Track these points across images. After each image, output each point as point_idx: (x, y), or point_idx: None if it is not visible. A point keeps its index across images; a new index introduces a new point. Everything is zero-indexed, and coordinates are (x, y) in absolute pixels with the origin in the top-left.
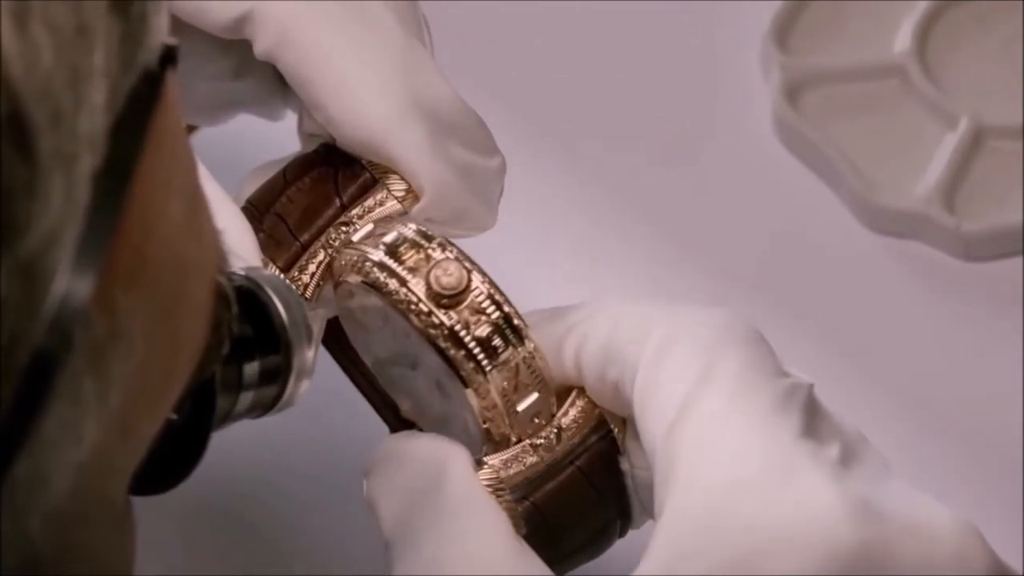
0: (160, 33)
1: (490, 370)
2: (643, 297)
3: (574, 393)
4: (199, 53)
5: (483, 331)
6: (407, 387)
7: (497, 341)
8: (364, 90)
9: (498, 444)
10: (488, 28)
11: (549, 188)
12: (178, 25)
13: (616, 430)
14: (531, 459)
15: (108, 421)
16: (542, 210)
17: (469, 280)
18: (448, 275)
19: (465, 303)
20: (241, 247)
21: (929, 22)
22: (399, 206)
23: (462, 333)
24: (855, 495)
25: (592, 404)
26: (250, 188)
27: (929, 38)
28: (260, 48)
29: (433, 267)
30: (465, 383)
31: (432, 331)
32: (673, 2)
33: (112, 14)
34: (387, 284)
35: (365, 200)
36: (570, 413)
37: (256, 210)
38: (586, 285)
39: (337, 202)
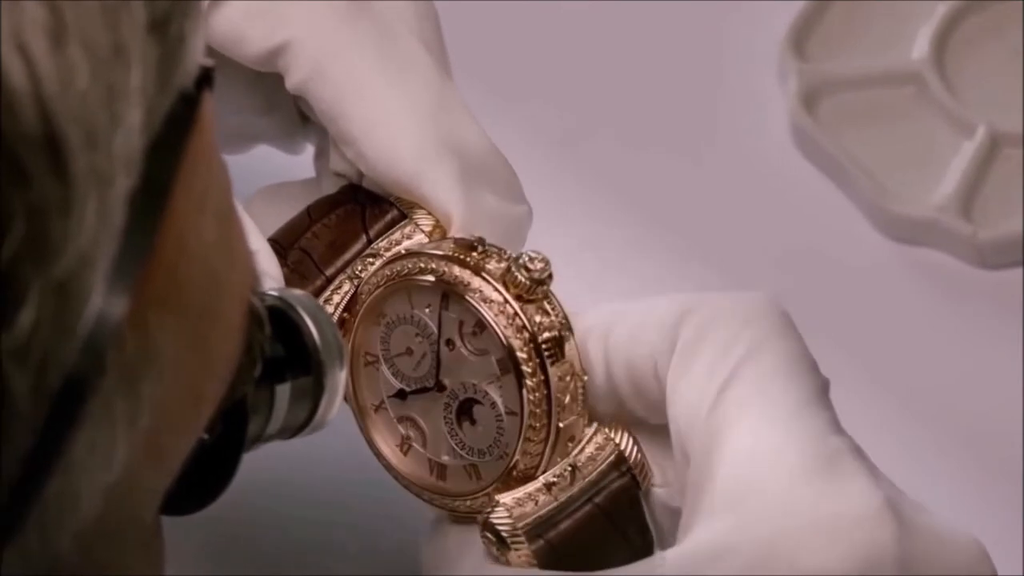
0: (197, 55)
1: (552, 370)
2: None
3: (591, 429)
4: (227, 87)
5: (551, 331)
6: (420, 422)
7: (561, 343)
8: (397, 128)
9: (514, 480)
10: (502, 32)
11: (561, 193)
12: (210, 56)
13: (639, 463)
14: (544, 498)
15: (139, 442)
16: (553, 215)
17: (550, 275)
18: (538, 262)
19: (535, 301)
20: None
21: (946, 30)
22: (427, 239)
23: (535, 328)
24: (889, 494)
25: (608, 439)
26: (260, 207)
27: (946, 46)
28: (293, 81)
29: (515, 259)
30: (523, 380)
31: (505, 323)
32: (690, 9)
33: (150, 35)
34: (458, 277)
35: (392, 234)
36: (586, 450)
37: (280, 246)
38: (596, 290)
39: (364, 238)
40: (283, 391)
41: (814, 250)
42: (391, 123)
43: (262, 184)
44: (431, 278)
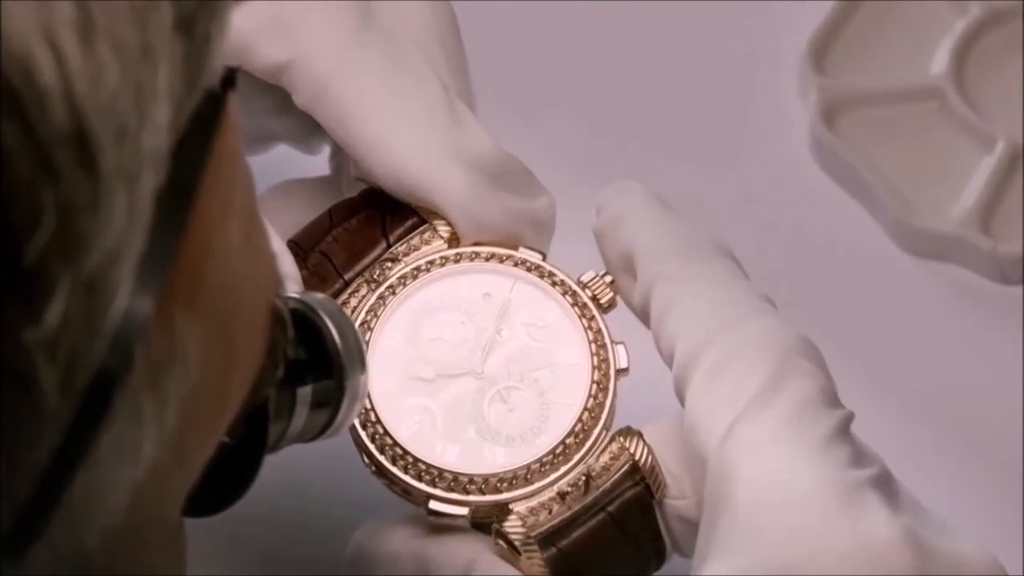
0: (223, 56)
1: (614, 374)
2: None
3: (605, 439)
4: (242, 87)
5: (619, 343)
6: (433, 406)
7: (626, 351)
8: (402, 144)
9: (538, 471)
10: (520, 44)
11: (584, 206)
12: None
13: (653, 473)
14: (557, 507)
15: (164, 441)
16: (573, 229)
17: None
18: (610, 288)
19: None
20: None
21: (966, 45)
22: (445, 245)
23: (607, 328)
24: (906, 524)
25: (623, 448)
26: (273, 204)
27: (966, 61)
28: (299, 100)
29: (599, 274)
30: (594, 371)
31: (584, 318)
32: (709, 24)
33: (177, 35)
34: (542, 267)
35: (411, 239)
36: (600, 459)
37: (300, 248)
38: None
39: (383, 243)
40: (304, 394)
41: (834, 265)
42: (395, 140)
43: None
44: (511, 265)
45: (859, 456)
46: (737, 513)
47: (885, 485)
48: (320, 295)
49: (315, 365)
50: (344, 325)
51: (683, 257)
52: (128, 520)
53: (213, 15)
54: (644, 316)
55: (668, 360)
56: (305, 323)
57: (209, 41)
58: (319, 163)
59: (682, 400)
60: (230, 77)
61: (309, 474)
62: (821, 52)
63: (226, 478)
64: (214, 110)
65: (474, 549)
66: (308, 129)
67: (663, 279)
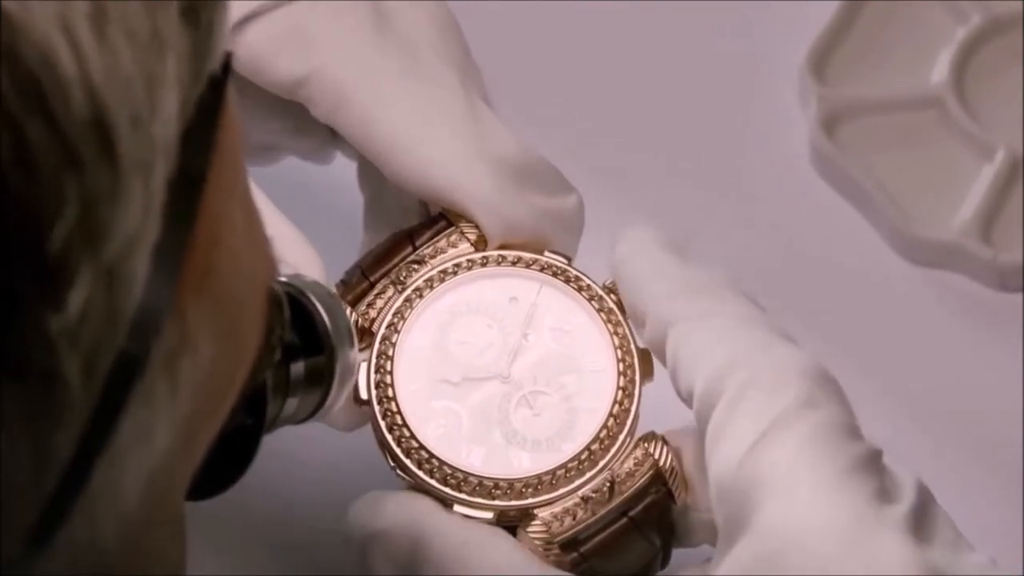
0: (224, 41)
1: (638, 379)
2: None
3: (629, 444)
4: (258, 110)
5: (644, 345)
6: (460, 409)
7: (650, 357)
8: (425, 146)
9: (564, 476)
10: (527, 47)
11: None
12: (239, 82)
13: (675, 478)
14: (581, 513)
15: (176, 427)
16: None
17: None
18: None
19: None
20: (299, 257)
21: (967, 54)
22: (471, 248)
23: (633, 335)
24: (928, 561)
25: (647, 454)
26: None
27: (966, 70)
28: (319, 112)
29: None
30: (620, 377)
31: (611, 324)
32: (710, 34)
33: (183, 22)
34: (568, 271)
35: (437, 241)
36: (625, 465)
37: (360, 269)
38: None
39: (410, 247)
40: (298, 375)
41: (835, 273)
42: (419, 144)
43: (285, 189)
44: (536, 269)
45: (886, 488)
46: (756, 537)
47: (916, 518)
48: (309, 278)
49: (306, 346)
50: (334, 307)
51: (695, 298)
52: (141, 508)
53: (215, 3)
54: (658, 356)
55: (687, 396)
56: (295, 305)
57: (212, 29)
58: (325, 168)
59: (704, 430)
60: (227, 63)
61: (302, 456)
62: (821, 61)
63: (223, 461)
64: (216, 96)
65: (469, 528)
66: (324, 148)
67: (676, 319)
